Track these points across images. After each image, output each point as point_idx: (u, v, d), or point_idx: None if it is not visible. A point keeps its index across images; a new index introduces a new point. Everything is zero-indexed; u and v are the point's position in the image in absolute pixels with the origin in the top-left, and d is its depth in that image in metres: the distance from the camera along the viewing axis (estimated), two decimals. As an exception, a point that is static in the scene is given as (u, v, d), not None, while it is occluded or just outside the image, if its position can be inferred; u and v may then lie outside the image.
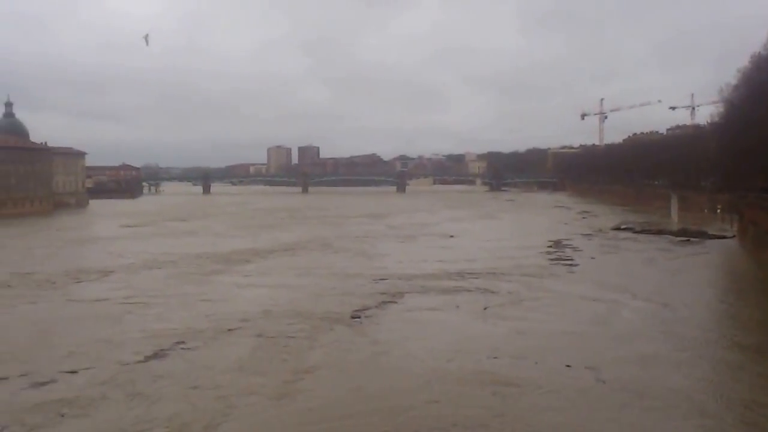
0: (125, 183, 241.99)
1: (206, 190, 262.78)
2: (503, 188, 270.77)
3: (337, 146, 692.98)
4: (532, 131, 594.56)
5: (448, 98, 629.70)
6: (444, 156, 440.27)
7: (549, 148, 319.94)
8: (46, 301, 42.14)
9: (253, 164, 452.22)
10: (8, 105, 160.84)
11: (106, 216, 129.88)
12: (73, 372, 26.32)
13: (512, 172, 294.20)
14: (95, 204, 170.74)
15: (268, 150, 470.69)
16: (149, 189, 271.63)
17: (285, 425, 21.35)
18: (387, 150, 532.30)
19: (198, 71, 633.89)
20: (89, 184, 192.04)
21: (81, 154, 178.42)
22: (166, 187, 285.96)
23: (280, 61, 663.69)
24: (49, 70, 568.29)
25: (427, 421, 21.39)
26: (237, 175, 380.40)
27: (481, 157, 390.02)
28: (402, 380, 25.39)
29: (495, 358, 28.30)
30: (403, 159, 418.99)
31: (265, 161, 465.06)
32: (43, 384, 24.89)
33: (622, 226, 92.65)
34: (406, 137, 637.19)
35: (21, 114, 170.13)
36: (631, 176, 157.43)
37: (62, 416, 21.82)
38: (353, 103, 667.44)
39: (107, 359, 27.99)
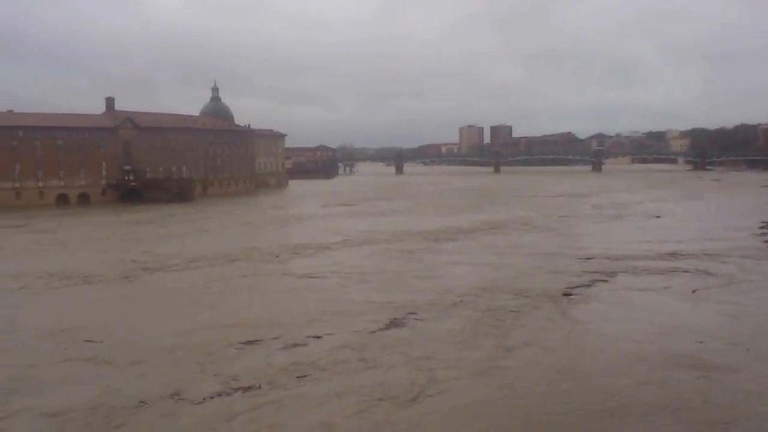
0: (322, 164, 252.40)
1: (399, 170, 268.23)
2: (708, 167, 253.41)
3: (530, 125, 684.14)
4: (741, 106, 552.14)
5: (647, 71, 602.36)
6: (643, 133, 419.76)
7: (759, 125, 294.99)
8: (275, 273, 45.82)
9: (445, 144, 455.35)
10: (215, 90, 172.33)
11: (307, 195, 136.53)
12: (318, 337, 28.62)
13: (718, 150, 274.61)
14: (294, 184, 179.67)
15: (460, 129, 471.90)
16: (344, 169, 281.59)
17: (480, 401, 21.57)
18: (582, 128, 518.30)
19: (393, 53, 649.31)
20: (288, 164, 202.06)
21: (281, 136, 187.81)
22: (361, 167, 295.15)
23: (472, 39, 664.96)
24: (253, 55, 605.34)
25: (637, 403, 21.09)
26: (429, 155, 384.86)
27: (683, 134, 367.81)
28: (605, 361, 25.22)
29: (701, 342, 27.36)
30: (600, 137, 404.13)
31: (457, 141, 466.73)
32: (293, 347, 27.35)
33: None
34: (603, 115, 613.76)
35: (226, 98, 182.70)
36: None
37: (306, 377, 23.70)
38: (547, 80, 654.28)
39: (346, 327, 30.19)
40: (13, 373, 24.42)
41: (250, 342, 27.91)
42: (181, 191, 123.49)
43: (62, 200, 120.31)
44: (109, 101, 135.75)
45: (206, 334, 29.25)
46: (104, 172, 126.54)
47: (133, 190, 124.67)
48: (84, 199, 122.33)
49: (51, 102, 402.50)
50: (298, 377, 23.62)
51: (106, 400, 21.52)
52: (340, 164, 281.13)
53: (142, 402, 21.35)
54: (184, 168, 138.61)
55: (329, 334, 28.99)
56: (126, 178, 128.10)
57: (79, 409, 20.88)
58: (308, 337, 28.62)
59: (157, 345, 27.66)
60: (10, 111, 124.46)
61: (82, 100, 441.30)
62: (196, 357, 26.04)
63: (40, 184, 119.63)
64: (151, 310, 34.74)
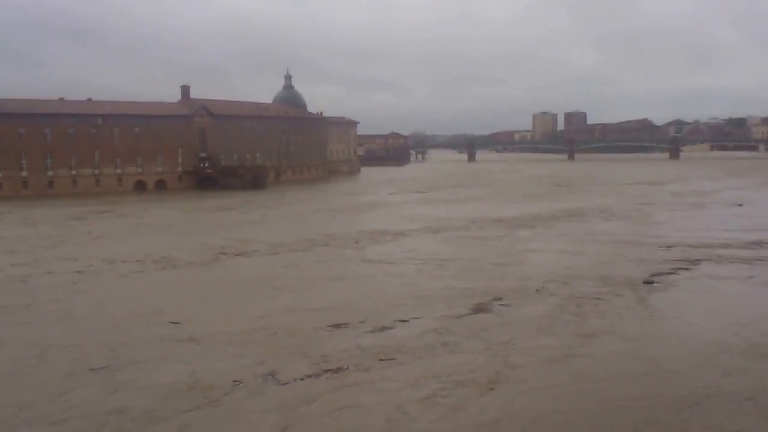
0: (393, 151, 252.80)
1: (471, 157, 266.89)
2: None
3: (605, 111, 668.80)
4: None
5: (727, 55, 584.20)
6: (723, 120, 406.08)
7: None
8: (354, 259, 46.60)
9: (518, 131, 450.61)
10: (287, 78, 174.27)
11: (379, 182, 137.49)
12: (404, 321, 29.27)
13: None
14: (365, 171, 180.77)
15: (533, 116, 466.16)
16: (416, 157, 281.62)
17: (557, 388, 21.50)
18: (659, 114, 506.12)
19: (466, 37, 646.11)
20: (360, 152, 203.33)
21: (353, 123, 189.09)
22: (432, 154, 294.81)
23: (546, 22, 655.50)
24: (325, 42, 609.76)
25: (718, 393, 20.82)
26: (501, 142, 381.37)
27: (765, 120, 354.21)
28: (686, 350, 24.92)
29: (787, 334, 26.76)
30: (677, 124, 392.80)
31: (530, 128, 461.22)
32: (380, 330, 28.08)
33: None
34: (681, 100, 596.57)
35: (299, 86, 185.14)
36: None
37: (390, 360, 24.22)
38: (623, 64, 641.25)
39: (431, 312, 30.67)
40: (111, 352, 25.62)
41: (337, 325, 28.61)
42: (255, 178, 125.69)
43: (140, 187, 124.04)
44: (185, 89, 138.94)
45: (294, 317, 30.12)
46: (180, 160, 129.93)
47: (209, 177, 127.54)
48: (161, 186, 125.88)
49: (128, 91, 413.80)
50: (381, 360, 24.17)
51: (202, 378, 22.50)
52: (411, 151, 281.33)
53: (237, 381, 22.20)
54: (257, 155, 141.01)
55: (415, 318, 29.54)
56: (201, 165, 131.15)
57: (177, 386, 21.88)
58: (395, 320, 29.21)
59: (246, 327, 28.60)
60: (90, 99, 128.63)
61: (159, 89, 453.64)
62: (287, 339, 26.91)
63: (119, 171, 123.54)
64: (236, 294, 35.83)
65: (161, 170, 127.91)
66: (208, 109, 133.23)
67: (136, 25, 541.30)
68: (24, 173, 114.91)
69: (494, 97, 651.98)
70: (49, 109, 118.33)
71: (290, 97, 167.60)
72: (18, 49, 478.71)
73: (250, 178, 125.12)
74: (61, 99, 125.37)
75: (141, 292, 36.64)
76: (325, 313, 30.49)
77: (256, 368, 23.35)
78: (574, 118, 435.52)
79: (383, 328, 28.11)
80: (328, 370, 23.06)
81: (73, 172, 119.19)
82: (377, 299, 33.23)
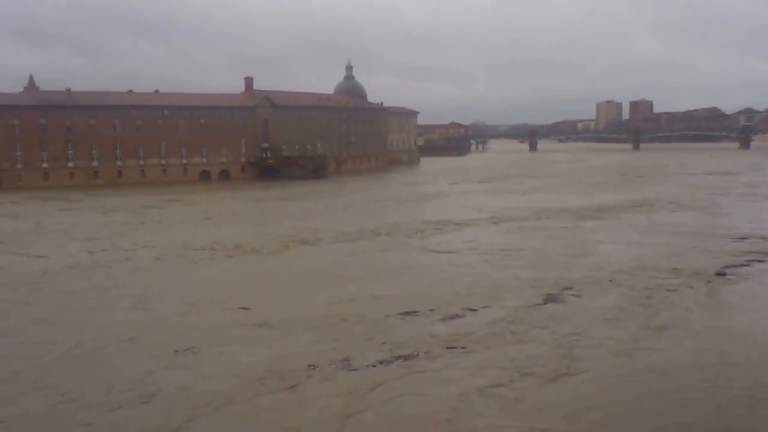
0: (454, 141, 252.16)
1: (532, 147, 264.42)
2: None
3: (671, 100, 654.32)
4: None
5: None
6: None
7: None
8: (420, 248, 47.03)
9: (581, 120, 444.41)
10: (348, 68, 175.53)
11: (440, 172, 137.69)
12: (474, 310, 29.71)
13: None
14: (425, 161, 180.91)
15: (597, 105, 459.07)
16: (476, 147, 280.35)
17: (623, 382, 21.43)
18: (728, 103, 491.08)
19: (528, 24, 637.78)
20: (420, 142, 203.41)
21: (413, 113, 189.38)
22: (493, 144, 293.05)
23: (610, 9, 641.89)
24: (386, 32, 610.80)
25: None
26: (563, 131, 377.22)
27: None
28: (759, 345, 24.63)
29: None
30: (748, 112, 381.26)
31: (593, 117, 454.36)
32: (450, 319, 28.56)
33: None
34: (752, 88, 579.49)
35: (360, 76, 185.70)
36: None
37: (457, 349, 24.70)
38: (690, 52, 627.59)
39: (501, 301, 31.10)
40: (191, 335, 26.80)
41: (407, 313, 29.24)
42: (316, 168, 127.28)
43: (205, 176, 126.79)
44: (248, 81, 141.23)
45: (363, 305, 30.85)
46: (243, 150, 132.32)
47: (271, 167, 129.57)
48: (225, 176, 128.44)
49: (193, 83, 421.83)
50: (449, 348, 24.66)
51: (278, 363, 23.41)
52: (472, 141, 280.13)
53: (311, 366, 23.00)
54: (318, 145, 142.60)
55: (485, 307, 29.95)
56: (264, 155, 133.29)
57: (255, 370, 22.78)
58: (464, 309, 29.66)
59: (318, 314, 29.42)
60: (156, 91, 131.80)
61: (222, 81, 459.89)
62: (359, 326, 27.68)
63: (184, 161, 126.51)
64: (304, 281, 36.82)
65: (225, 160, 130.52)
66: (271, 100, 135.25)
67: (200, 18, 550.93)
68: (95, 163, 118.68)
69: (556, 86, 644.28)
70: (118, 102, 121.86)
71: (351, 88, 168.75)
72: (88, 42, 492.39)
73: (311, 168, 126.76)
74: (130, 91, 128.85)
75: (213, 279, 37.93)
76: (394, 301, 31.18)
77: (329, 354, 24.13)
78: (640, 107, 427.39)
79: (452, 317, 28.58)
80: (398, 357, 23.67)
81: (141, 162, 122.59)
82: (445, 288, 33.73)
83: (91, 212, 75.21)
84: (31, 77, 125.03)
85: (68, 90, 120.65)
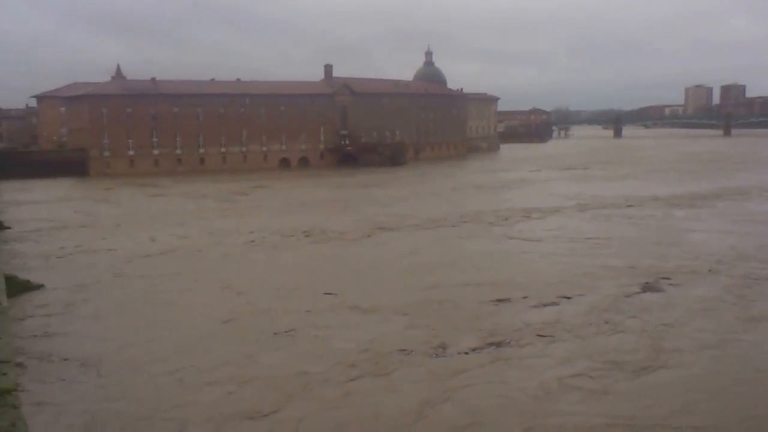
0: (535, 127, 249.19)
1: (617, 133, 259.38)
2: None
3: (766, 84, 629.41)
4: None
5: None
6: None
7: None
8: (506, 236, 47.22)
9: (668, 105, 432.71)
10: (428, 54, 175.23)
11: (521, 159, 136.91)
12: (568, 298, 29.87)
13: None
14: (505, 148, 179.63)
15: (686, 90, 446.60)
16: (558, 133, 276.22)
17: (707, 374, 21.22)
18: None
19: (614, 6, 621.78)
20: (500, 128, 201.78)
21: (494, 100, 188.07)
22: (576, 130, 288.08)
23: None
24: (467, 17, 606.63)
25: None
26: (650, 117, 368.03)
27: None
28: None
29: None
30: None
31: (682, 102, 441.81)
32: (543, 306, 28.82)
33: None
34: None
35: (440, 62, 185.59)
36: None
37: (548, 337, 24.89)
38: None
39: (596, 290, 31.10)
40: (288, 319, 27.80)
41: (500, 300, 29.60)
42: (394, 155, 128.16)
43: (284, 164, 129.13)
44: (327, 68, 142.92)
45: (455, 291, 31.30)
46: (322, 137, 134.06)
47: (349, 155, 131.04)
48: (304, 163, 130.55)
49: (273, 71, 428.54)
50: (539, 336, 24.92)
51: (371, 347, 24.16)
52: (554, 128, 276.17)
53: (403, 350, 23.67)
54: (397, 132, 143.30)
55: (579, 295, 30.03)
56: (342, 142, 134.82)
57: (349, 354, 23.56)
58: (557, 297, 29.81)
59: (409, 299, 30.04)
60: (238, 80, 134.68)
61: (302, 69, 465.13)
62: (451, 312, 28.14)
63: (264, 148, 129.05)
64: (392, 266, 37.62)
65: (304, 148, 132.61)
66: (349, 88, 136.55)
67: (281, 7, 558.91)
68: (178, 151, 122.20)
69: (643, 70, 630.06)
70: (201, 90, 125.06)
71: (430, 74, 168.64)
72: (170, 32, 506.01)
73: (389, 155, 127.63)
74: (212, 80, 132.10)
75: (302, 264, 39.08)
76: (484, 288, 31.57)
77: (421, 339, 24.68)
78: (732, 92, 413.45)
79: (545, 305, 28.78)
80: (490, 344, 24.04)
81: (223, 149, 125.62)
82: (535, 276, 33.93)
83: (181, 198, 77.88)
84: (118, 67, 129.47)
85: (153, 79, 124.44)
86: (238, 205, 70.12)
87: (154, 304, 31.07)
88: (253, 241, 46.81)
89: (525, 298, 29.79)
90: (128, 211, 65.87)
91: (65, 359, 23.61)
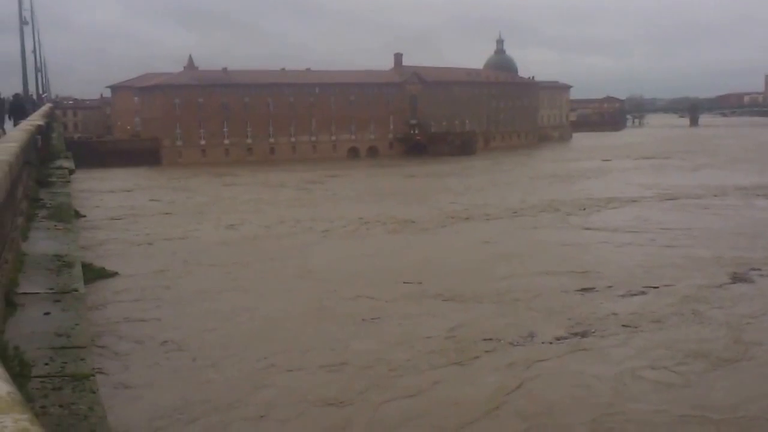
0: (608, 116, 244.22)
1: (693, 122, 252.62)
2: None
3: None
4: None
5: None
6: None
7: None
8: (584, 225, 46.82)
9: (748, 93, 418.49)
10: (499, 42, 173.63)
11: (594, 148, 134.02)
12: (654, 287, 29.61)
13: None
14: (577, 137, 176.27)
15: (766, 77, 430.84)
16: (632, 121, 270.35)
17: None
18: None
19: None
20: (572, 117, 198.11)
21: (566, 88, 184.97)
22: (650, 119, 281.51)
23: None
24: (538, 3, 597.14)
25: None
26: (728, 105, 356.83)
27: None
28: None
29: None
30: None
31: (761, 90, 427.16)
32: (628, 296, 28.66)
33: None
34: None
35: (511, 50, 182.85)
36: None
37: (631, 327, 24.72)
38: None
39: (681, 280, 30.69)
40: (371, 306, 28.18)
41: (585, 289, 29.50)
42: (463, 144, 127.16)
43: (353, 153, 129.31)
44: (397, 57, 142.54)
45: (538, 280, 31.24)
46: (391, 126, 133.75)
47: (418, 144, 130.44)
48: (373, 152, 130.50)
49: (343, 61, 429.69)
50: (623, 326, 24.69)
51: (457, 335, 24.39)
52: (627, 116, 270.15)
53: (489, 339, 23.74)
54: (467, 121, 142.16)
55: (666, 286, 29.65)
56: (411, 132, 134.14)
57: (433, 341, 23.78)
58: (643, 287, 29.51)
59: (492, 288, 30.11)
60: (308, 70, 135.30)
61: (371, 58, 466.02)
62: (536, 300, 28.16)
63: (333, 138, 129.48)
64: (474, 255, 37.55)
65: (373, 137, 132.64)
66: (419, 76, 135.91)
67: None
68: (249, 140, 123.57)
69: (721, 57, 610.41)
70: (271, 80, 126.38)
71: (501, 62, 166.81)
72: (240, 21, 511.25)
73: (458, 145, 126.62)
74: (283, 69, 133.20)
75: (383, 252, 39.50)
76: (569, 278, 31.44)
77: (505, 328, 24.79)
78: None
79: (631, 294, 28.56)
80: (575, 333, 23.97)
81: (292, 139, 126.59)
82: (619, 266, 33.66)
83: (256, 187, 78.78)
84: (190, 57, 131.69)
85: (225, 69, 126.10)
86: (313, 193, 70.81)
87: (234, 290, 31.56)
88: (330, 230, 47.24)
89: (610, 287, 29.58)
90: (204, 200, 67.07)
91: (143, 345, 24.07)
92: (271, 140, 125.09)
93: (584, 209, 53.22)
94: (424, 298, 29.06)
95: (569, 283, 30.29)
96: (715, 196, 58.53)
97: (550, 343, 23.20)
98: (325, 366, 21.64)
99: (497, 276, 32.12)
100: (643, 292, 28.70)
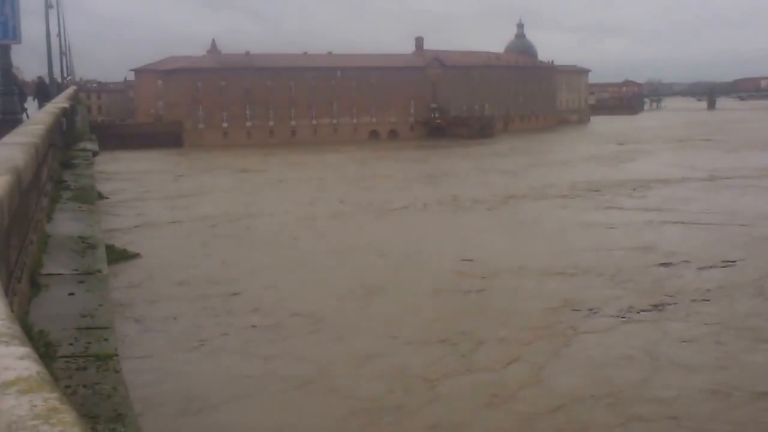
0: (626, 99, 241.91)
1: (710, 105, 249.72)
2: None
3: None
4: None
5: None
6: None
7: None
8: (630, 206, 46.80)
9: (765, 77, 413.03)
10: (519, 26, 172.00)
11: (613, 132, 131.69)
12: (731, 262, 29.89)
13: None
14: (595, 120, 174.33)
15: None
16: (650, 105, 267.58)
17: None
18: None
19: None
20: (591, 101, 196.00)
21: (584, 72, 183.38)
22: (668, 102, 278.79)
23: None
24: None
25: None
26: (745, 89, 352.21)
27: None
28: None
29: None
30: None
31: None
32: (705, 269, 29.09)
33: None
34: None
35: (531, 34, 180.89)
36: None
37: (703, 302, 25.05)
38: None
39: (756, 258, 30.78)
40: (440, 278, 28.74)
41: (664, 264, 29.97)
42: (482, 127, 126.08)
43: (374, 136, 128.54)
44: (418, 41, 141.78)
45: (617, 256, 31.72)
46: (412, 110, 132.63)
47: (438, 127, 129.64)
48: (393, 135, 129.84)
49: (364, 44, 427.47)
50: (693, 300, 25.10)
51: (561, 305, 24.97)
52: (645, 100, 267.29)
53: (575, 309, 24.53)
54: (486, 105, 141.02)
55: (741, 260, 29.97)
56: (432, 115, 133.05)
57: (533, 313, 24.28)
58: (721, 261, 29.93)
59: (576, 262, 30.44)
60: (329, 53, 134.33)
61: (393, 42, 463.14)
62: (621, 274, 28.63)
63: (354, 120, 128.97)
64: (526, 233, 38.32)
65: (394, 120, 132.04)
66: (440, 60, 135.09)
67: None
68: (270, 123, 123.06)
69: (739, 42, 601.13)
70: (293, 63, 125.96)
71: (522, 47, 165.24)
72: (261, 6, 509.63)
73: (478, 128, 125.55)
74: (305, 53, 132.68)
75: (431, 231, 39.81)
76: (646, 253, 31.89)
77: (590, 300, 25.25)
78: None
79: (706, 268, 29.03)
80: (642, 309, 24.25)
81: (314, 122, 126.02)
82: (690, 243, 34.07)
83: (283, 168, 78.21)
84: (213, 41, 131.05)
85: (247, 53, 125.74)
86: (346, 174, 70.70)
87: (282, 268, 31.64)
88: (385, 210, 47.67)
89: (686, 261, 30.05)
90: (230, 182, 66.08)
91: (166, 324, 23.98)
92: (293, 123, 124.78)
93: (635, 190, 53.25)
94: (526, 271, 29.51)
95: (651, 258, 30.78)
96: (744, 177, 57.98)
97: (622, 317, 23.62)
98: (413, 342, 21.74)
99: (566, 251, 32.59)
100: (722, 266, 29.08)
